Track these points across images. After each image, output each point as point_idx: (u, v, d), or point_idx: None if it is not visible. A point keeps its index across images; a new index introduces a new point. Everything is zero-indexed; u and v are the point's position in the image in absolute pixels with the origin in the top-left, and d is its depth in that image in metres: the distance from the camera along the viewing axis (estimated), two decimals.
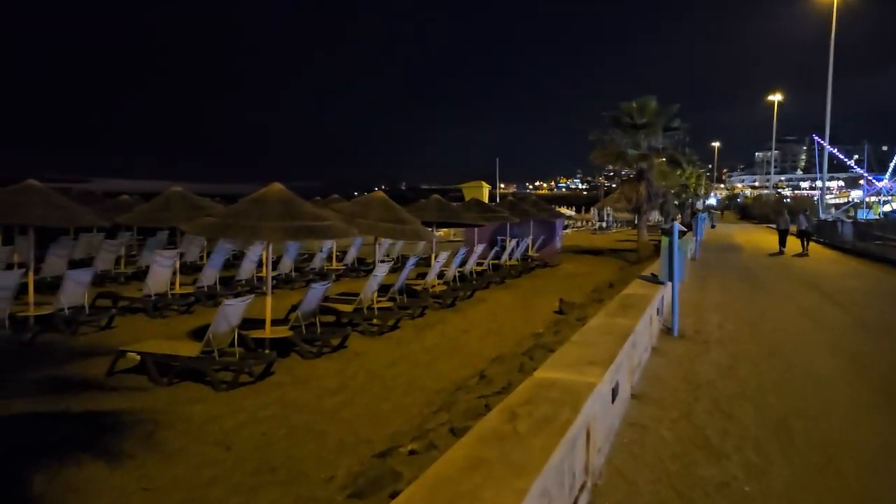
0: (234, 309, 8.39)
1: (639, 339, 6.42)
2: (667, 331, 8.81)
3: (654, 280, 9.53)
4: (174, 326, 11.88)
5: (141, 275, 15.60)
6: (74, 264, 17.96)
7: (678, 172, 33.23)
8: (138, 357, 8.42)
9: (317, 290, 9.98)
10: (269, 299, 9.42)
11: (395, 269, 16.29)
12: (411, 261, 13.44)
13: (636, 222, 32.21)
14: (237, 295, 14.56)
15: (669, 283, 8.81)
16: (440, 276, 15.21)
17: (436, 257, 14.61)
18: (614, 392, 4.80)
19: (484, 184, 49.10)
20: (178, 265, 13.42)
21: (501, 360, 9.02)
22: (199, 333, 11.25)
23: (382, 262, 15.61)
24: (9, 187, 10.53)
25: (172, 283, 13.34)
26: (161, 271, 12.80)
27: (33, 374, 8.54)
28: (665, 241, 8.82)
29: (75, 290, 11.09)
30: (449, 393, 7.92)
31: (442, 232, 31.67)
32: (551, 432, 3.03)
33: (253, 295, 8.98)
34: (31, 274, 10.87)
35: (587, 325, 5.94)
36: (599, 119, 26.72)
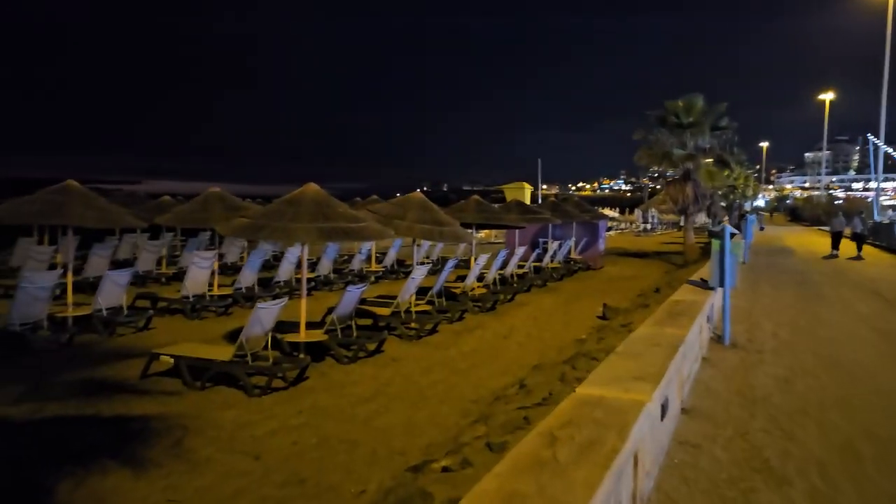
0: (267, 312, 8.21)
1: (689, 348, 6.01)
2: (717, 339, 8.35)
3: (704, 285, 9.06)
4: (211, 328, 11.80)
5: (182, 275, 15.62)
6: (118, 265, 18.18)
7: (726, 173, 32.22)
8: (172, 360, 8.30)
9: (352, 294, 9.76)
10: (303, 302, 9.23)
11: (435, 272, 16.03)
12: (450, 263, 13.15)
13: (681, 224, 31.33)
14: (276, 296, 14.51)
15: (720, 289, 8.35)
16: (480, 278, 14.89)
17: (475, 259, 14.28)
18: (664, 408, 4.43)
19: (525, 185, 48.42)
20: (216, 266, 13.37)
21: (542, 368, 8.66)
22: (235, 336, 11.12)
23: (422, 264, 15.36)
24: (49, 188, 10.56)
25: (211, 285, 13.31)
26: (199, 272, 12.75)
27: (68, 376, 8.49)
28: (716, 244, 8.35)
29: (113, 291, 11.08)
30: (487, 403, 7.61)
31: (483, 233, 31.36)
32: (596, 461, 2.70)
33: (287, 298, 8.82)
34: (69, 274, 10.90)
35: (633, 335, 5.56)
36: (644, 119, 26.04)
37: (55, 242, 17.41)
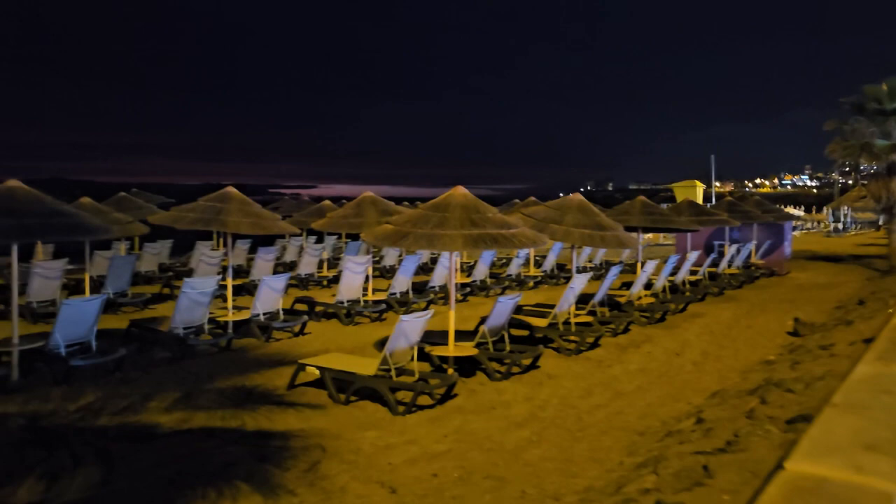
0: (411, 325, 7.69)
1: None
2: None
3: None
4: (364, 334, 11.59)
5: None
6: (284, 267, 18.80)
7: None
8: (318, 372, 8.01)
9: (504, 305, 9.04)
10: (451, 314, 8.61)
11: (598, 277, 14.95)
12: (614, 269, 12.04)
13: (881, 223, 27.43)
14: (429, 302, 14.14)
15: None
16: (647, 286, 13.62)
17: (643, 266, 13.04)
18: None
19: (698, 183, 45.32)
20: (370, 271, 13.18)
21: (723, 397, 7.43)
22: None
23: (583, 270, 14.35)
24: (210, 195, 10.80)
25: (366, 290, 13.15)
26: (353, 277, 12.62)
27: (220, 383, 8.46)
28: None
29: (270, 296, 11.15)
30: (657, 437, 6.56)
31: (650, 235, 29.52)
32: None
33: (433, 310, 8.23)
34: (229, 279, 11.08)
35: (852, 378, 4.34)
36: (837, 107, 23.05)
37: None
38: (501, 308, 9.00)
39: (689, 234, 18.62)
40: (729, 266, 18.28)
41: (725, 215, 16.44)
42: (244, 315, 10.95)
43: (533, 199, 23.68)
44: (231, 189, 10.81)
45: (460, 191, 8.45)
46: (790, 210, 56.83)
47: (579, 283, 10.61)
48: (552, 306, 11.35)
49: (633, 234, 11.76)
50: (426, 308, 13.99)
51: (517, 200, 24.67)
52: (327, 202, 17.60)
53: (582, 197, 11.15)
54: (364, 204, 12.84)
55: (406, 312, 13.29)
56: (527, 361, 9.31)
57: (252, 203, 10.80)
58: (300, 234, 20.46)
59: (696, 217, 15.47)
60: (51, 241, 10.91)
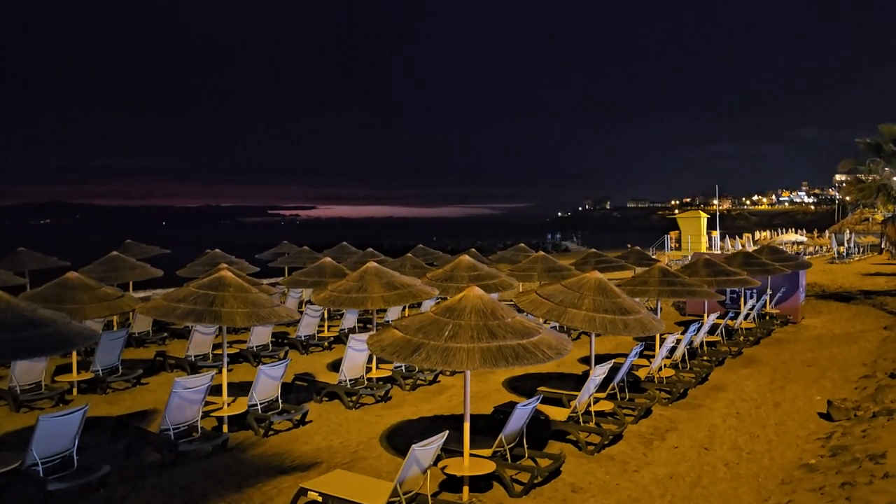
0: (425, 453, 6.97)
1: None
2: None
3: None
4: (370, 421, 10.89)
5: (345, 337, 15.09)
6: (285, 325, 18.09)
7: None
8: (320, 498, 7.28)
9: (523, 411, 8.32)
10: (466, 426, 7.86)
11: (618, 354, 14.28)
12: (635, 350, 11.32)
13: (883, 247, 26.76)
14: (439, 373, 13.43)
15: None
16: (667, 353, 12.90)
17: (662, 342, 12.36)
18: None
19: (701, 213, 44.97)
20: None
21: None
22: (395, 433, 10.11)
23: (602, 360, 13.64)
24: (204, 281, 10.09)
25: (370, 367, 12.44)
26: (356, 356, 11.89)
27: None
28: None
29: (268, 385, 10.44)
30: None
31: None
32: None
33: (446, 432, 7.43)
34: (224, 370, 10.35)
35: None
36: (831, 124, 22.70)
37: None
38: (520, 415, 8.29)
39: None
40: (745, 318, 17.59)
41: (745, 273, 15.74)
42: (240, 407, 10.21)
43: (523, 245, 23.22)
44: (226, 274, 10.10)
45: (474, 293, 7.76)
46: (792, 235, 56.39)
47: (601, 372, 9.93)
48: (570, 392, 10.70)
49: (656, 317, 11.04)
50: (434, 380, 13.29)
51: (523, 244, 24.15)
52: (327, 259, 16.87)
53: (599, 275, 10.48)
54: (367, 276, 12.14)
55: (413, 388, 12.72)
56: (547, 465, 8.55)
57: (249, 289, 10.08)
58: (299, 291, 19.79)
59: (714, 277, 14.80)
60: (24, 359, 10.14)
